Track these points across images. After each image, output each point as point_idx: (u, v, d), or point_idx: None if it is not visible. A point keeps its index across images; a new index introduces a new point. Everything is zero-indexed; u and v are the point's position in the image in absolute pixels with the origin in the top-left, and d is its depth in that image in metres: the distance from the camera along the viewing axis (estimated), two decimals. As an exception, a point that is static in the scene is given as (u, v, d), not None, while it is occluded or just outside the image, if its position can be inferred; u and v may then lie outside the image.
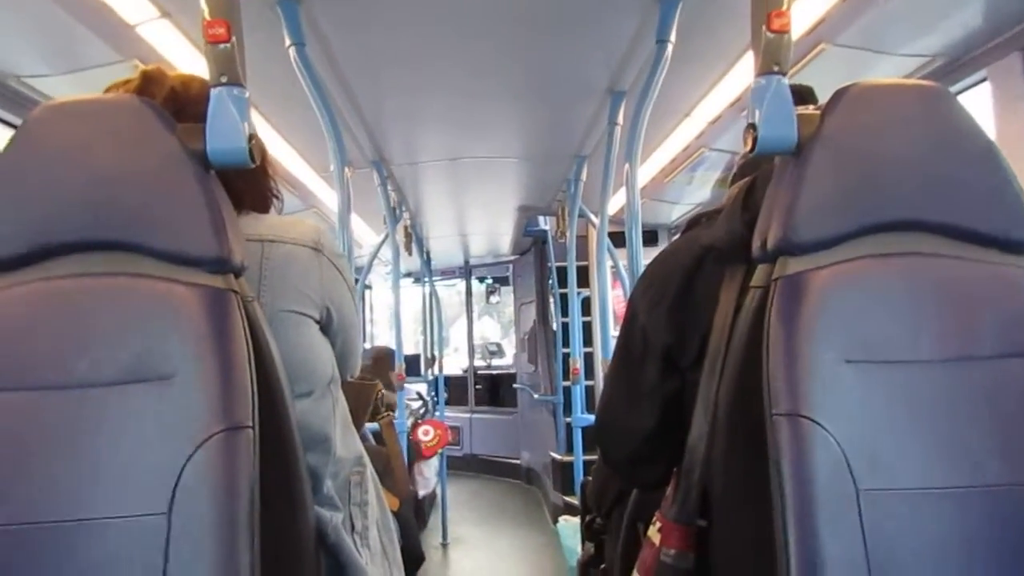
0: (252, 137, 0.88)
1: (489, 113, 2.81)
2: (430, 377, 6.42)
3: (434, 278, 6.66)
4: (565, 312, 4.91)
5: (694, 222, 1.14)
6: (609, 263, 2.97)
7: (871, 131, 0.86)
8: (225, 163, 0.87)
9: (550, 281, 5.53)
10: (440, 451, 4.20)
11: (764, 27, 0.85)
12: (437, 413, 6.04)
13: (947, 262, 0.84)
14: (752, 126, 0.87)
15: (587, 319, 4.61)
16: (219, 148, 0.86)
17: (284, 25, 1.83)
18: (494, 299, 7.99)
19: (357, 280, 2.79)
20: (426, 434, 3.91)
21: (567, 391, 4.52)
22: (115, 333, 0.79)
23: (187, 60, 1.99)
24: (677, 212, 4.64)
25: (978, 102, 2.13)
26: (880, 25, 2.01)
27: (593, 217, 3.74)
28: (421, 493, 4.52)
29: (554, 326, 5.51)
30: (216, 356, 0.79)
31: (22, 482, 0.75)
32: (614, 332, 2.36)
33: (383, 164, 3.29)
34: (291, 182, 3.41)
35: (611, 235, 2.97)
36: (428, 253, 5.95)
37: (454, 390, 7.53)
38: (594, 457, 1.77)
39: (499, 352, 8.00)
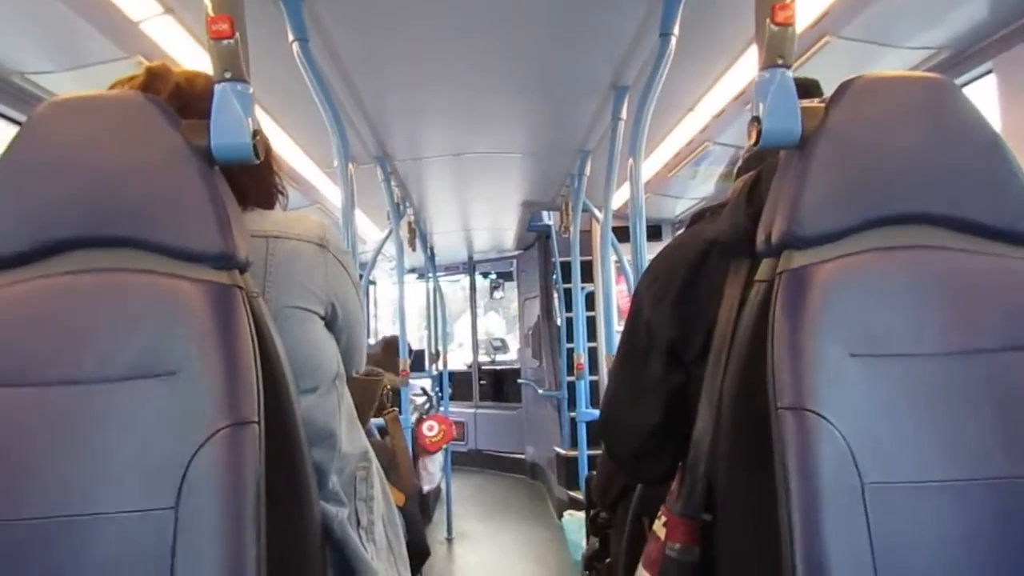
0: (256, 133, 0.88)
1: (493, 108, 2.81)
2: (434, 373, 6.43)
3: (438, 274, 6.66)
4: (569, 307, 4.91)
5: (698, 216, 1.14)
6: (613, 258, 2.97)
7: (876, 124, 0.86)
8: (229, 159, 0.87)
9: (554, 276, 5.53)
10: (445, 446, 4.21)
11: (768, 20, 0.85)
12: (441, 408, 6.04)
13: (953, 255, 0.84)
14: (756, 119, 0.86)
15: (591, 314, 4.61)
16: (223, 144, 0.86)
17: (287, 21, 1.84)
18: (498, 294, 7.99)
19: (361, 276, 2.80)
20: (431, 429, 3.92)
21: (571, 386, 4.52)
22: (120, 329, 0.79)
23: (190, 56, 1.99)
24: (681, 207, 4.63)
25: (983, 95, 2.12)
26: (885, 18, 2.00)
27: (597, 212, 3.73)
28: (426, 488, 4.52)
29: (558, 321, 5.51)
30: (221, 352, 0.79)
31: (34, 477, 0.75)
32: (618, 327, 2.35)
33: (387, 160, 3.29)
34: (294, 178, 3.41)
35: (615, 230, 2.96)
36: (432, 249, 5.95)
37: (458, 386, 7.54)
38: (598, 452, 1.76)
39: (503, 347, 8.00)
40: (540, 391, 5.73)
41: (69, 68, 2.01)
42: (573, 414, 4.39)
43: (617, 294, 3.85)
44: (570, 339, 4.89)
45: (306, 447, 0.91)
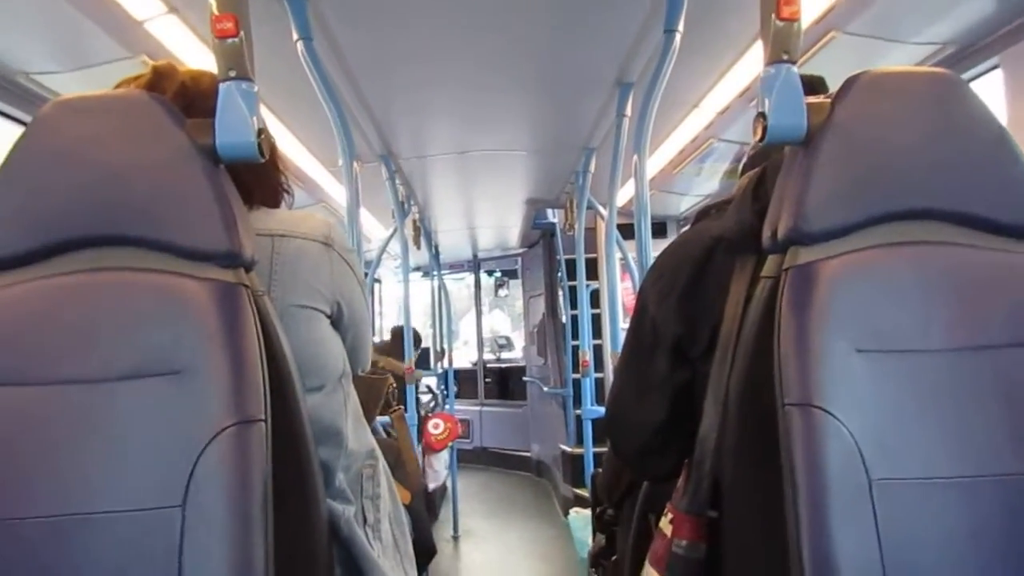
0: (261, 131, 0.88)
1: (497, 106, 2.81)
2: (440, 370, 6.43)
3: (443, 272, 6.66)
4: (574, 305, 4.91)
5: (703, 213, 1.13)
6: (618, 255, 2.96)
7: (882, 119, 0.86)
8: (234, 157, 0.87)
9: (559, 274, 5.52)
10: (450, 444, 4.21)
11: (773, 15, 0.84)
12: (447, 406, 6.05)
13: (959, 250, 0.83)
14: (762, 115, 0.86)
15: (596, 311, 4.60)
16: (228, 142, 0.86)
17: (291, 19, 1.84)
18: (503, 292, 7.99)
19: (366, 274, 2.80)
20: (436, 427, 3.92)
21: (577, 383, 4.52)
22: (126, 328, 0.80)
23: (195, 55, 2.00)
24: (686, 203, 4.62)
25: (990, 90, 2.11)
26: (891, 13, 1.99)
27: (602, 209, 3.73)
28: (431, 486, 4.53)
29: (563, 319, 5.50)
30: (228, 350, 0.79)
31: (42, 476, 0.75)
32: (623, 324, 2.35)
33: (391, 158, 3.29)
34: (299, 176, 3.41)
35: (620, 227, 2.96)
36: (437, 247, 5.96)
37: (464, 383, 7.54)
38: (604, 449, 1.76)
39: (508, 345, 8.01)
40: (545, 389, 5.73)
41: (74, 68, 2.02)
42: (578, 411, 4.40)
43: (622, 291, 3.85)
44: (575, 336, 4.90)
45: (313, 445, 0.91)
